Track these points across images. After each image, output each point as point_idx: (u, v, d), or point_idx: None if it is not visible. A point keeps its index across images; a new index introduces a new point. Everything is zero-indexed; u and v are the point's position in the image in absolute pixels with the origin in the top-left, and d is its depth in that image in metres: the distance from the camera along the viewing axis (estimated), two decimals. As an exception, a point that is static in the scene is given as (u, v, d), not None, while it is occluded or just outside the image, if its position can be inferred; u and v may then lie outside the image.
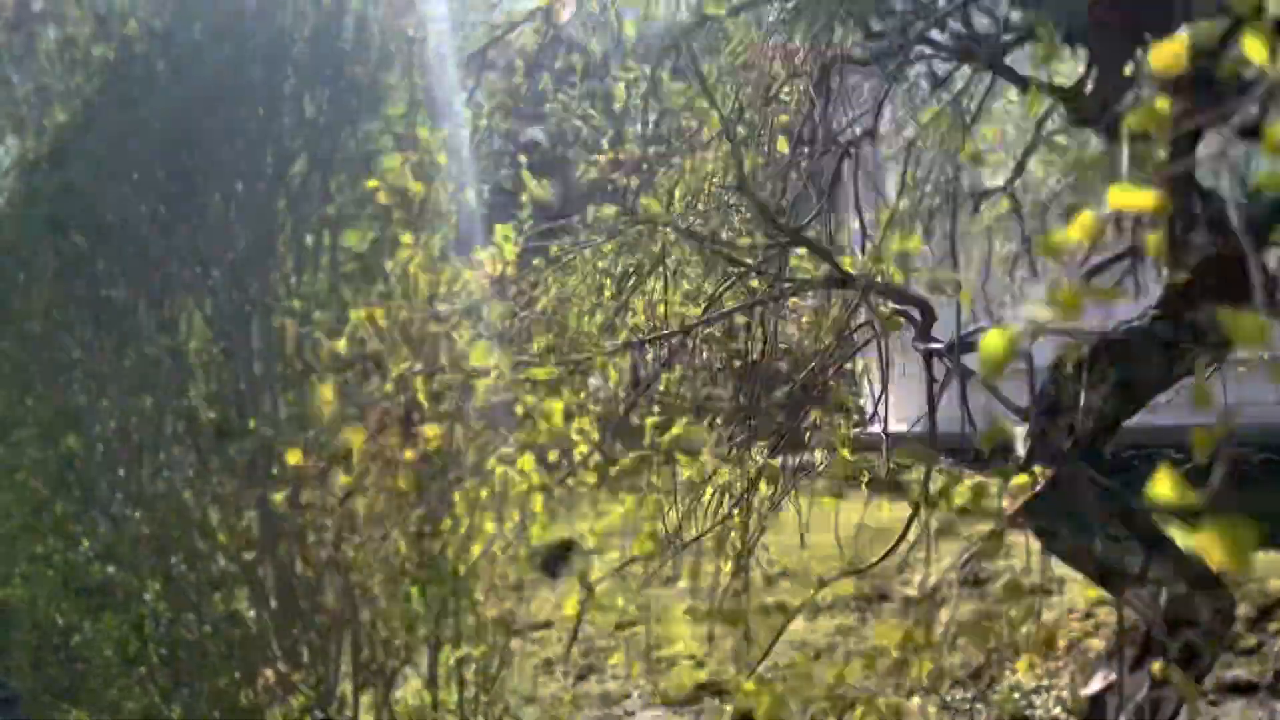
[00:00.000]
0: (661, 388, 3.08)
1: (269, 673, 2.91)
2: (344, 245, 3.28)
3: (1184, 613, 2.31)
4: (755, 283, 2.87)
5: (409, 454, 2.35)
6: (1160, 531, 2.27)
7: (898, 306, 2.52)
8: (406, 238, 2.87)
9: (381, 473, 2.47)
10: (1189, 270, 2.19)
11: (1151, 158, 0.95)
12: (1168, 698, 2.23)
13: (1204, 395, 1.04)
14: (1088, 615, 5.21)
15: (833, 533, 3.34)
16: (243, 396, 3.20)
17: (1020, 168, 2.94)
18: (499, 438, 2.89)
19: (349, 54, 3.29)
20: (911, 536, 2.47)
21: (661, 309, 3.07)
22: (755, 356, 3.06)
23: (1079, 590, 5.28)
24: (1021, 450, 3.38)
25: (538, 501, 2.48)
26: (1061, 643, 5.05)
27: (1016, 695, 4.61)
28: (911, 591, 5.38)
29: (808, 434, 3.31)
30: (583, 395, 2.03)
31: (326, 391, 1.98)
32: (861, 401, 3.79)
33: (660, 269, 3.06)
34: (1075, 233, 0.92)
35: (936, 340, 2.55)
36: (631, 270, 3.15)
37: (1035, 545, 2.54)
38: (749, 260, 2.75)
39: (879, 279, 2.43)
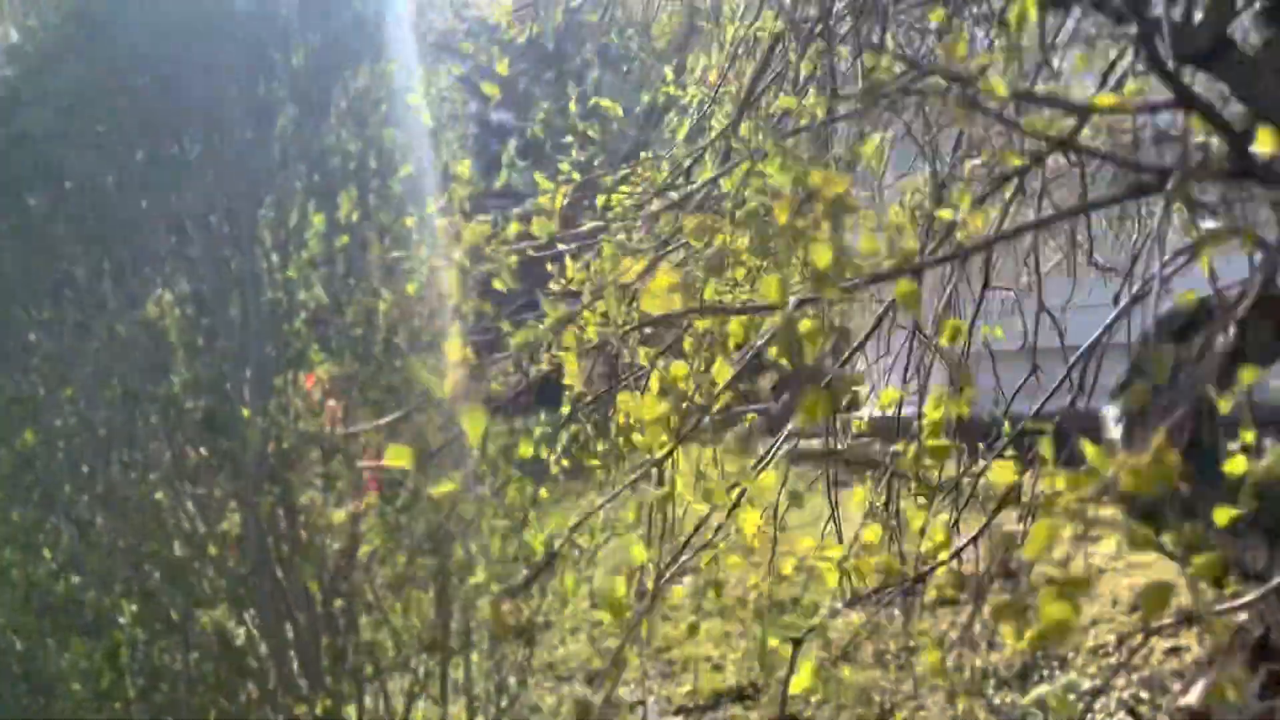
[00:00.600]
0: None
1: (267, 707, 2.54)
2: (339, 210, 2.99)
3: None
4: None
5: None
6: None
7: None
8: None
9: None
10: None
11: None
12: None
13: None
14: (1134, 609, 4.95)
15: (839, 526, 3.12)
16: (228, 381, 2.91)
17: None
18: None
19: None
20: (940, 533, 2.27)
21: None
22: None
23: (1112, 582, 5.03)
24: (1115, 432, 3.01)
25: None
26: (1110, 638, 4.79)
27: (1072, 697, 4.28)
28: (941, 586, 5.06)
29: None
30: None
31: (454, 347, 1.55)
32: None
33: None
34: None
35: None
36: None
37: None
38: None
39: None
